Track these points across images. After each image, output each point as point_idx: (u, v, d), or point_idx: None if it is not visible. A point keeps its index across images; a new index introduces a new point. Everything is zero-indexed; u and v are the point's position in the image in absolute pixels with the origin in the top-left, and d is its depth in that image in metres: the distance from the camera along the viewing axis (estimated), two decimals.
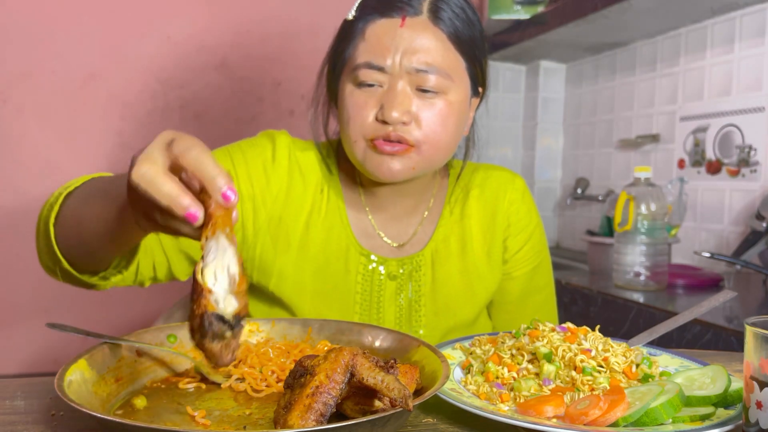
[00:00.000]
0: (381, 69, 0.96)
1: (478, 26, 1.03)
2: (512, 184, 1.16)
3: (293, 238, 1.06)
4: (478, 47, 1.03)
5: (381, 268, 1.08)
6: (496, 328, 1.19)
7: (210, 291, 0.56)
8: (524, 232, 1.15)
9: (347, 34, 1.01)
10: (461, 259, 1.11)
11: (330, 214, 1.08)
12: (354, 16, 1.01)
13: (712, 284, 1.72)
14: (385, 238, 1.10)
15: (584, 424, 0.63)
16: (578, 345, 0.76)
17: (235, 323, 0.57)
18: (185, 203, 0.56)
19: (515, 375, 0.74)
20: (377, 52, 0.96)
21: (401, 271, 1.08)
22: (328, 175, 1.10)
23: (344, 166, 1.13)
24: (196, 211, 0.56)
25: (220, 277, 0.57)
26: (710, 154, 2.06)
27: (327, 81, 1.08)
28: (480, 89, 1.08)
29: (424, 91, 0.96)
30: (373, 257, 1.07)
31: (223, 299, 0.57)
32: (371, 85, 0.97)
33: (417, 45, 0.95)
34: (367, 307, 1.07)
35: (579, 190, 2.67)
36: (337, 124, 1.07)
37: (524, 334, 0.80)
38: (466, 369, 0.79)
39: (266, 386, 0.73)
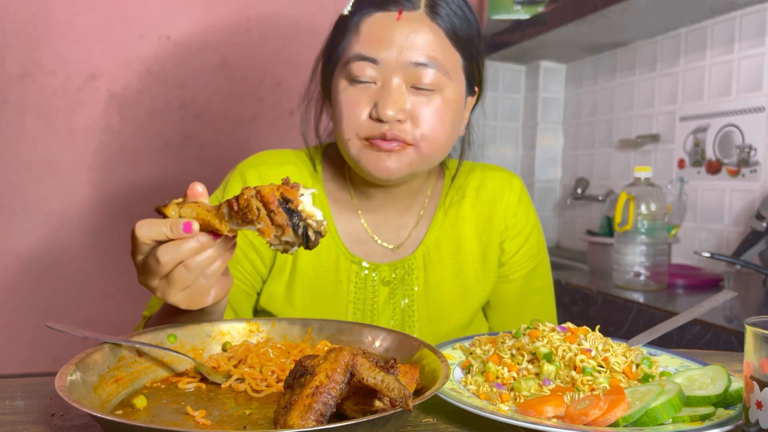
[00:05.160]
0: (374, 61, 0.93)
1: (475, 26, 1.01)
2: (509, 185, 1.13)
3: (287, 262, 1.05)
4: (475, 46, 1.01)
5: (374, 274, 1.05)
6: (492, 328, 1.18)
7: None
8: (522, 234, 1.13)
9: (342, 28, 0.99)
10: (454, 263, 1.08)
11: None
12: (350, 11, 0.98)
13: (712, 284, 1.72)
14: (378, 241, 1.08)
15: (584, 424, 0.63)
16: (578, 345, 0.76)
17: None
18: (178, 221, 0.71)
19: (515, 375, 0.74)
20: (371, 45, 0.93)
21: (394, 275, 1.06)
22: (310, 183, 1.08)
23: (331, 168, 1.10)
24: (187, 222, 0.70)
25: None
26: (710, 154, 2.06)
27: (321, 77, 1.05)
28: (476, 89, 1.06)
29: (420, 88, 0.94)
30: (365, 264, 1.05)
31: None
32: (365, 82, 0.94)
33: (414, 40, 0.93)
34: (360, 316, 1.05)
35: (579, 190, 2.67)
36: (328, 121, 1.05)
37: (524, 334, 0.80)
38: (466, 369, 0.79)
39: (266, 386, 0.73)
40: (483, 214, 1.11)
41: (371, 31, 0.94)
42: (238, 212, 0.68)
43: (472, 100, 1.06)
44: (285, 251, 0.70)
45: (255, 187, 0.68)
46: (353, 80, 0.95)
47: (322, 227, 0.69)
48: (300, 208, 0.68)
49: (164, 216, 0.72)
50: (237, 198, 0.69)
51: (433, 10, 0.95)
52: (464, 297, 1.09)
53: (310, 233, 0.68)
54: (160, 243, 0.71)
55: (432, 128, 0.94)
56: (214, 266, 0.73)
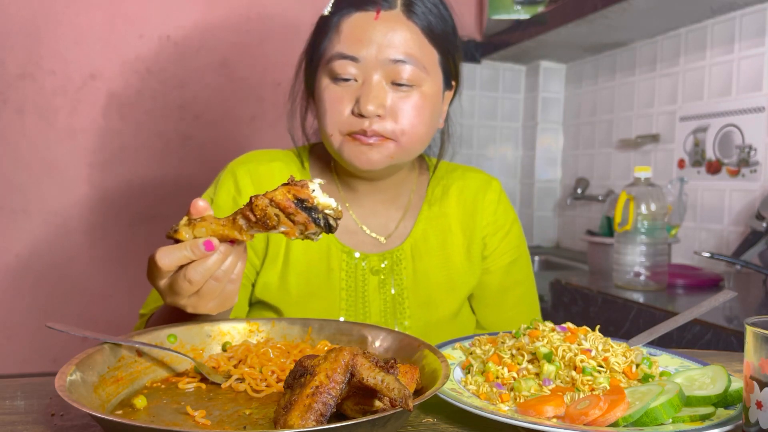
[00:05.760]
0: (354, 60, 0.97)
1: (450, 22, 1.05)
2: (489, 186, 1.20)
3: (279, 252, 1.08)
4: (450, 42, 1.05)
5: (363, 263, 1.09)
6: (478, 320, 1.22)
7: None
8: (502, 229, 1.19)
9: (324, 28, 1.03)
10: (441, 254, 1.13)
11: None
12: (330, 11, 1.03)
13: (712, 284, 1.72)
14: (368, 231, 1.12)
15: (584, 424, 0.63)
16: (578, 345, 0.76)
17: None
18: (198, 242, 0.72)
19: (515, 375, 0.74)
20: (351, 44, 0.98)
21: (383, 265, 1.10)
22: (299, 179, 1.12)
23: (318, 165, 1.15)
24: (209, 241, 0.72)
25: None
26: (710, 154, 2.06)
27: (305, 76, 1.10)
28: (453, 83, 1.10)
29: (399, 84, 0.98)
30: (356, 254, 1.09)
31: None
32: (347, 80, 0.98)
33: (391, 38, 0.97)
34: (353, 303, 1.08)
35: (579, 190, 2.67)
36: (314, 119, 1.09)
37: (524, 334, 0.80)
38: (466, 369, 0.79)
39: (266, 386, 0.73)
40: (466, 211, 1.17)
41: (351, 30, 0.99)
42: (258, 222, 0.71)
43: (449, 93, 1.11)
44: (310, 239, 0.73)
45: (266, 196, 0.70)
46: (335, 78, 0.99)
47: (339, 212, 0.72)
48: (315, 203, 0.70)
49: (177, 241, 0.74)
50: (251, 209, 0.71)
51: (409, 9, 0.99)
52: (452, 286, 1.13)
53: (331, 221, 0.72)
54: (181, 266, 0.73)
55: (411, 123, 0.99)
56: (237, 269, 0.77)
